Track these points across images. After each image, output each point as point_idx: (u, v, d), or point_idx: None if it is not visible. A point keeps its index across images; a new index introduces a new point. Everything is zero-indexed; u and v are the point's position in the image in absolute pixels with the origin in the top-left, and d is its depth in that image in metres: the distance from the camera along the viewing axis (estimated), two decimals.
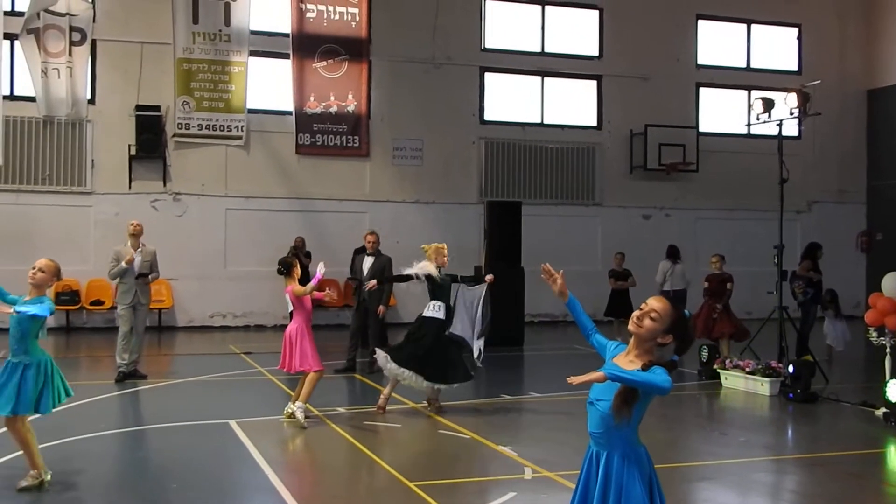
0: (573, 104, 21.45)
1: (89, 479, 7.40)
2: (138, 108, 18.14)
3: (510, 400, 11.19)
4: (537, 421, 10.17)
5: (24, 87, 17.64)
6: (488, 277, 10.43)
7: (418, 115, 19.86)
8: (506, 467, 7.82)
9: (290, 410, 9.42)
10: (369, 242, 13.01)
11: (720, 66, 22.52)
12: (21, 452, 6.90)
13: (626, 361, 4.01)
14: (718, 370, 12.20)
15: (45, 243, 16.80)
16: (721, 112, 22.45)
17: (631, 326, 4.05)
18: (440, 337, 9.94)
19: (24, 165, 17.72)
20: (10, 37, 17.25)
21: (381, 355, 10.02)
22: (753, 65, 22.80)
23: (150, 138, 18.12)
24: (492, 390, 11.73)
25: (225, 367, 13.10)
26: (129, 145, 18.13)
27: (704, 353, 12.76)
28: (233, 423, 9.29)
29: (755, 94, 18.67)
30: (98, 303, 17.58)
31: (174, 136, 18.44)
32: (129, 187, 18.30)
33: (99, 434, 8.88)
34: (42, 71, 17.43)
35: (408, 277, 10.21)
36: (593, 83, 21.55)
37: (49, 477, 6.81)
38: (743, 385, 11.77)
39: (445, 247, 10.33)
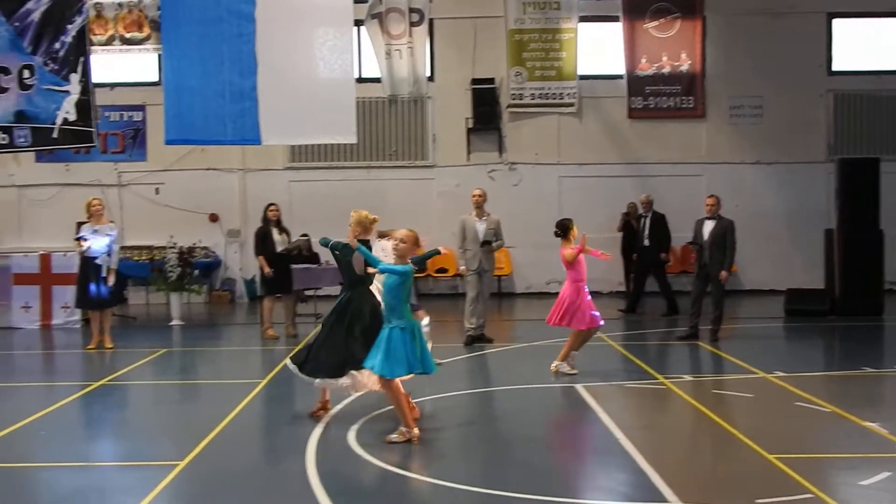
0: None
1: (449, 435, 7.75)
2: (474, 81, 18.73)
3: (872, 373, 10.29)
4: None
5: (371, 69, 18.79)
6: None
7: (757, 71, 18.78)
8: (876, 445, 7.18)
9: (556, 368, 10.04)
10: (707, 206, 12.53)
11: None
12: (392, 408, 7.35)
13: None
14: None
15: (393, 215, 17.86)
16: None
17: None
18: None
19: (373, 142, 18.97)
20: (357, 23, 18.42)
21: None
22: None
23: (486, 110, 18.67)
24: (850, 363, 10.88)
25: (564, 332, 13.20)
26: (467, 118, 18.81)
27: None
28: (579, 387, 9.33)
29: None
30: (442, 270, 18.50)
31: (508, 106, 18.85)
32: (468, 159, 19.00)
33: (454, 394, 9.28)
34: (386, 53, 18.48)
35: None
36: None
37: (417, 431, 7.20)
38: None
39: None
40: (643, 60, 18.83)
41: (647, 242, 15.60)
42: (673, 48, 18.82)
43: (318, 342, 7.86)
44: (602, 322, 10.37)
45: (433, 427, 7.76)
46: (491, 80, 18.71)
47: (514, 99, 18.81)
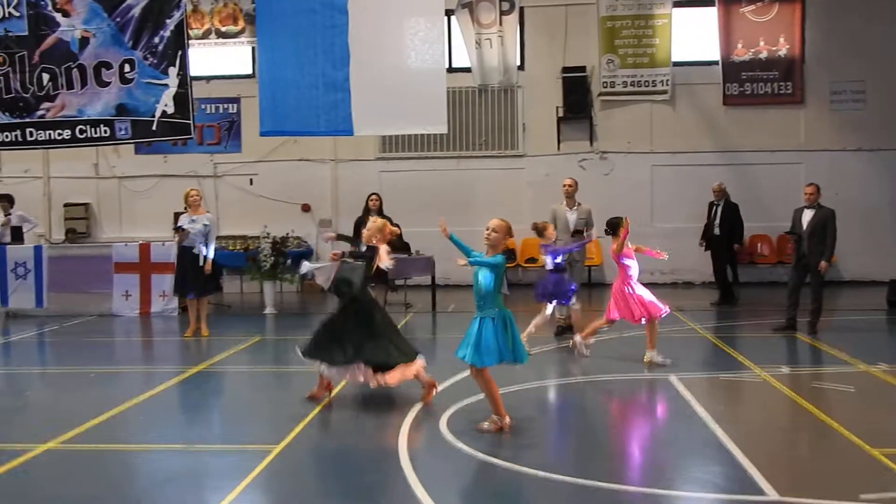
0: None
1: (540, 425, 7.73)
2: (564, 69, 18.58)
3: None
4: None
5: (461, 59, 18.78)
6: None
7: (859, 55, 18.14)
8: None
9: (647, 359, 10.05)
10: (806, 195, 12.18)
11: None
12: (484, 397, 7.34)
13: None
14: None
15: (483, 205, 17.95)
16: None
17: None
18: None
19: (463, 132, 18.98)
20: (448, 13, 18.42)
21: None
22: None
23: (577, 99, 18.50)
24: None
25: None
26: (557, 107, 18.66)
27: None
28: (673, 378, 9.19)
29: None
30: (532, 260, 18.41)
31: (600, 95, 18.64)
32: (558, 148, 18.86)
33: (544, 383, 9.24)
34: (476, 42, 18.43)
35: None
36: None
37: (508, 420, 7.18)
38: None
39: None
40: (739, 45, 18.38)
41: (717, 231, 15.33)
42: (770, 32, 18.33)
43: (327, 329, 8.29)
44: (663, 312, 10.25)
45: (524, 416, 7.73)
46: (582, 69, 18.52)
47: (605, 87, 18.58)
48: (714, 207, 15.63)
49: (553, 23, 18.74)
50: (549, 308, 11.23)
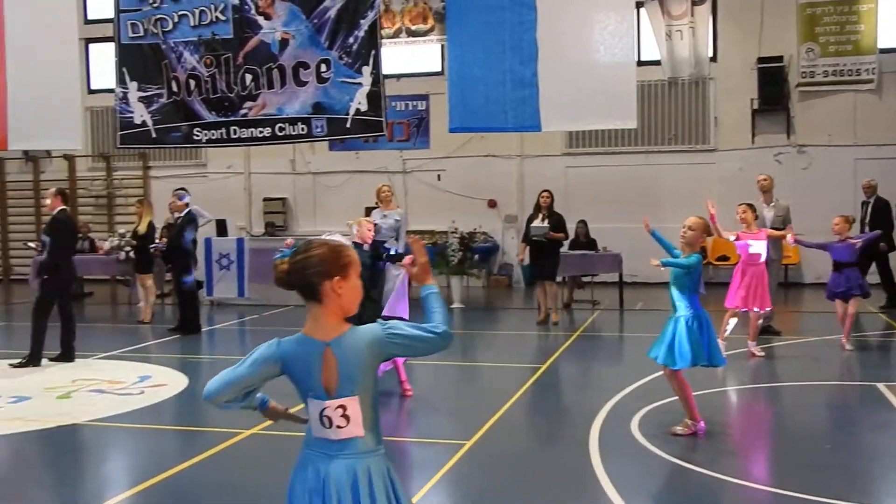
0: None
1: (735, 430, 7.52)
2: (760, 60, 17.87)
3: None
4: None
5: (650, 51, 18.39)
6: (407, 259, 8.36)
7: None
8: None
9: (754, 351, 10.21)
10: None
11: None
12: (677, 399, 7.17)
13: None
14: None
15: (671, 201, 17.50)
16: None
17: None
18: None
19: (652, 127, 18.59)
20: (637, 5, 18.07)
21: None
22: None
23: (773, 90, 17.77)
24: None
25: (860, 327, 12.36)
26: (752, 99, 17.98)
27: None
28: (881, 386, 8.66)
29: None
30: (723, 258, 17.85)
31: (798, 85, 17.81)
32: (752, 142, 18.18)
33: (740, 387, 8.93)
34: (666, 34, 17.99)
35: None
36: None
37: (703, 424, 6.98)
38: None
39: (368, 221, 8.95)
40: None
41: (866, 230, 14.31)
42: None
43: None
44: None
45: (719, 421, 7.51)
46: (779, 59, 17.75)
47: (804, 77, 17.74)
48: (865, 206, 14.67)
49: (748, 12, 18.05)
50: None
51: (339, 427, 2.99)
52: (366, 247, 8.59)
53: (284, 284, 3.05)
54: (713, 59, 18.30)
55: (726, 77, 18.26)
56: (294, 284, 3.03)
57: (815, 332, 12.19)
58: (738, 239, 10.39)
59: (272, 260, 3.17)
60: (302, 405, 3.11)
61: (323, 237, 7.38)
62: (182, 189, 14.10)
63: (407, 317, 8.60)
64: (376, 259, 8.72)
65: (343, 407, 2.98)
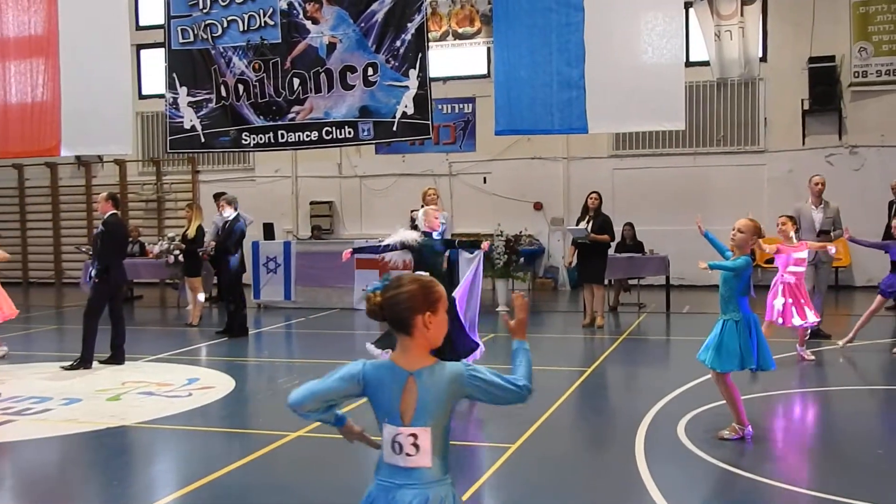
0: None
1: (784, 435, 7.40)
2: (811, 60, 17.64)
3: None
4: None
5: (698, 52, 18.21)
6: (484, 244, 8.85)
7: None
8: None
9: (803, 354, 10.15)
10: None
11: None
12: (725, 403, 7.08)
13: None
14: None
15: (720, 203, 17.32)
16: None
17: None
18: None
19: (700, 128, 18.42)
20: (686, 5, 17.91)
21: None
22: None
23: (825, 90, 17.53)
24: None
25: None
26: (802, 100, 17.74)
27: None
28: None
29: None
30: (770, 261, 17.57)
31: (850, 85, 17.54)
32: (803, 143, 17.93)
33: (789, 391, 8.80)
34: (715, 34, 17.78)
35: (389, 248, 8.73)
36: None
37: (751, 429, 6.89)
38: None
39: (436, 208, 9.09)
40: None
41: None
42: None
43: None
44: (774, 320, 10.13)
45: (767, 426, 7.41)
46: (831, 58, 17.50)
47: (856, 76, 17.46)
48: (893, 206, 14.35)
49: (799, 12, 17.82)
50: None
51: (408, 455, 3.10)
52: (435, 234, 8.66)
53: (376, 316, 3.16)
54: (763, 59, 18.08)
55: (776, 77, 18.05)
56: (386, 318, 3.14)
57: (866, 335, 11.96)
58: (778, 252, 10.19)
59: (364, 292, 3.29)
60: (380, 437, 3.20)
61: (395, 237, 7.43)
62: (224, 193, 14.26)
63: (465, 301, 8.81)
64: (448, 246, 8.90)
65: (415, 436, 3.08)
